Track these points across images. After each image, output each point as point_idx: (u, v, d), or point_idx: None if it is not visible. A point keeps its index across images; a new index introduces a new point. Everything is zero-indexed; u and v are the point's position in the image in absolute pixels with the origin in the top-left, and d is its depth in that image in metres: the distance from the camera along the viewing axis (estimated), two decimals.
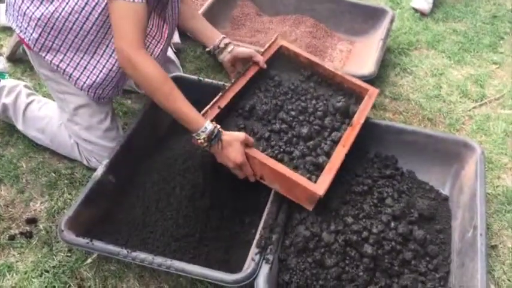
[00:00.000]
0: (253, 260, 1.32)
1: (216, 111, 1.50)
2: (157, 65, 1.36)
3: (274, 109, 1.63)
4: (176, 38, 2.24)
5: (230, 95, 1.56)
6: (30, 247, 1.52)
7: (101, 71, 1.52)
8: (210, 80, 1.84)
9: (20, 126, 1.78)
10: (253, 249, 1.35)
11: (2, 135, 1.84)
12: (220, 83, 1.80)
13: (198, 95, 1.74)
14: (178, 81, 1.81)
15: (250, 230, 1.49)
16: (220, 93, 1.55)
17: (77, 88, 1.56)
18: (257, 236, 1.38)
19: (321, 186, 1.42)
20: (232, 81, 1.62)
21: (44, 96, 1.95)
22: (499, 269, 1.55)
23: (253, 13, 2.50)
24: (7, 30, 2.30)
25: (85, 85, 1.54)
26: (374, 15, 2.39)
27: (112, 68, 1.52)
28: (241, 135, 1.43)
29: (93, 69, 1.52)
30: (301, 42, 2.29)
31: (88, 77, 1.53)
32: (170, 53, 1.96)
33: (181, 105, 1.40)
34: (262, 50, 1.75)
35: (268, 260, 1.34)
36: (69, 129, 1.66)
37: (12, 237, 1.53)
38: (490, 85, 2.26)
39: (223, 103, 1.53)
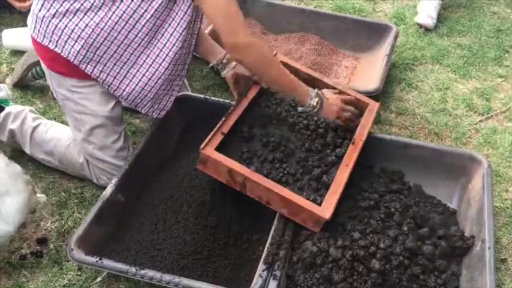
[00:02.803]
0: (260, 276, 1.33)
1: (219, 137, 1.51)
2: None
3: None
4: None
5: (233, 119, 1.56)
6: (41, 267, 1.54)
7: (140, 80, 1.55)
8: (216, 99, 1.87)
9: (27, 150, 1.81)
10: (261, 266, 1.36)
11: (13, 157, 1.86)
12: (227, 101, 1.83)
13: (205, 113, 1.78)
14: (186, 100, 1.86)
15: (258, 246, 1.50)
16: (223, 119, 1.55)
17: (116, 95, 1.59)
18: (264, 253, 1.39)
19: (326, 209, 1.44)
20: (235, 104, 1.61)
21: (54, 118, 2.00)
22: (509, 283, 1.54)
23: (259, 32, 2.53)
24: (18, 54, 2.35)
25: (124, 93, 1.57)
26: (378, 31, 2.41)
27: (151, 77, 1.55)
28: (336, 94, 1.68)
29: (132, 78, 1.55)
30: (306, 59, 2.32)
31: (127, 85, 1.56)
32: None
33: (289, 72, 1.59)
34: None
35: (276, 276, 1.34)
36: (83, 149, 1.69)
37: (23, 257, 1.55)
38: (496, 98, 2.26)
39: (226, 129, 1.53)
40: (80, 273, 1.52)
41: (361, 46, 2.45)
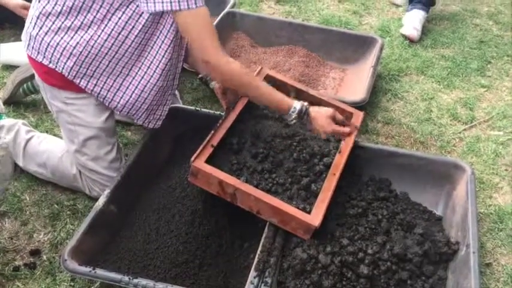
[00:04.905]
0: (252, 283, 1.35)
1: (209, 150, 1.53)
2: (237, 62, 1.50)
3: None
4: None
5: (222, 132, 1.60)
6: (34, 278, 1.55)
7: (133, 92, 1.59)
8: (207, 110, 1.91)
9: (20, 162, 1.82)
10: (252, 273, 1.38)
11: None
12: (217, 112, 1.86)
13: (196, 125, 1.82)
14: (177, 112, 1.89)
15: (249, 254, 1.53)
16: (212, 131, 1.58)
17: (111, 108, 1.63)
18: (255, 260, 1.41)
19: (316, 217, 1.47)
20: (223, 117, 1.65)
21: (46, 131, 2.01)
22: (494, 287, 1.58)
23: (248, 45, 2.58)
24: (10, 68, 2.37)
25: (119, 105, 1.61)
26: (364, 43, 2.47)
27: (144, 88, 1.59)
28: (330, 110, 1.62)
29: (125, 90, 1.59)
30: (295, 71, 2.37)
31: (121, 98, 1.60)
32: None
33: (270, 91, 1.56)
34: None
35: (267, 283, 1.37)
36: (76, 160, 1.71)
37: (16, 269, 1.56)
38: (479, 108, 2.33)
39: (215, 141, 1.56)
40: (73, 283, 1.53)
41: (348, 58, 2.51)
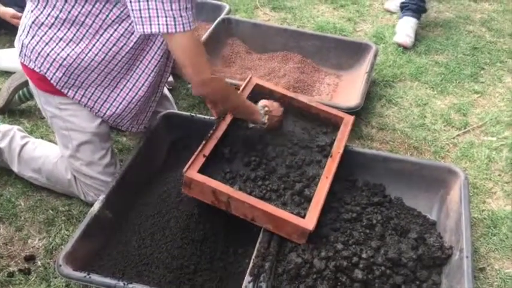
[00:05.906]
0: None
1: (201, 160, 1.54)
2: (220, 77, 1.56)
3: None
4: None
5: (213, 142, 1.60)
6: (29, 284, 1.54)
7: (120, 103, 1.61)
8: (202, 116, 1.92)
9: (15, 168, 1.82)
10: (247, 278, 1.38)
11: (1, 175, 1.89)
12: (212, 118, 1.87)
13: (191, 131, 1.82)
14: (172, 117, 1.90)
15: (244, 260, 1.53)
16: (204, 142, 1.59)
17: (98, 117, 1.64)
18: (250, 265, 1.42)
19: (310, 221, 1.47)
20: (214, 126, 1.65)
21: (41, 137, 2.02)
22: None
23: (243, 51, 2.59)
24: (5, 74, 2.37)
25: (105, 115, 1.63)
26: (359, 50, 2.49)
27: (131, 100, 1.61)
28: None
29: (113, 102, 1.61)
30: (289, 77, 2.38)
31: (108, 109, 1.61)
32: (165, 90, 2.04)
33: (247, 101, 1.69)
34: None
35: None
36: (70, 165, 1.72)
37: (11, 275, 1.56)
38: (473, 113, 2.34)
39: (207, 151, 1.57)
40: None
41: (343, 64, 2.53)
